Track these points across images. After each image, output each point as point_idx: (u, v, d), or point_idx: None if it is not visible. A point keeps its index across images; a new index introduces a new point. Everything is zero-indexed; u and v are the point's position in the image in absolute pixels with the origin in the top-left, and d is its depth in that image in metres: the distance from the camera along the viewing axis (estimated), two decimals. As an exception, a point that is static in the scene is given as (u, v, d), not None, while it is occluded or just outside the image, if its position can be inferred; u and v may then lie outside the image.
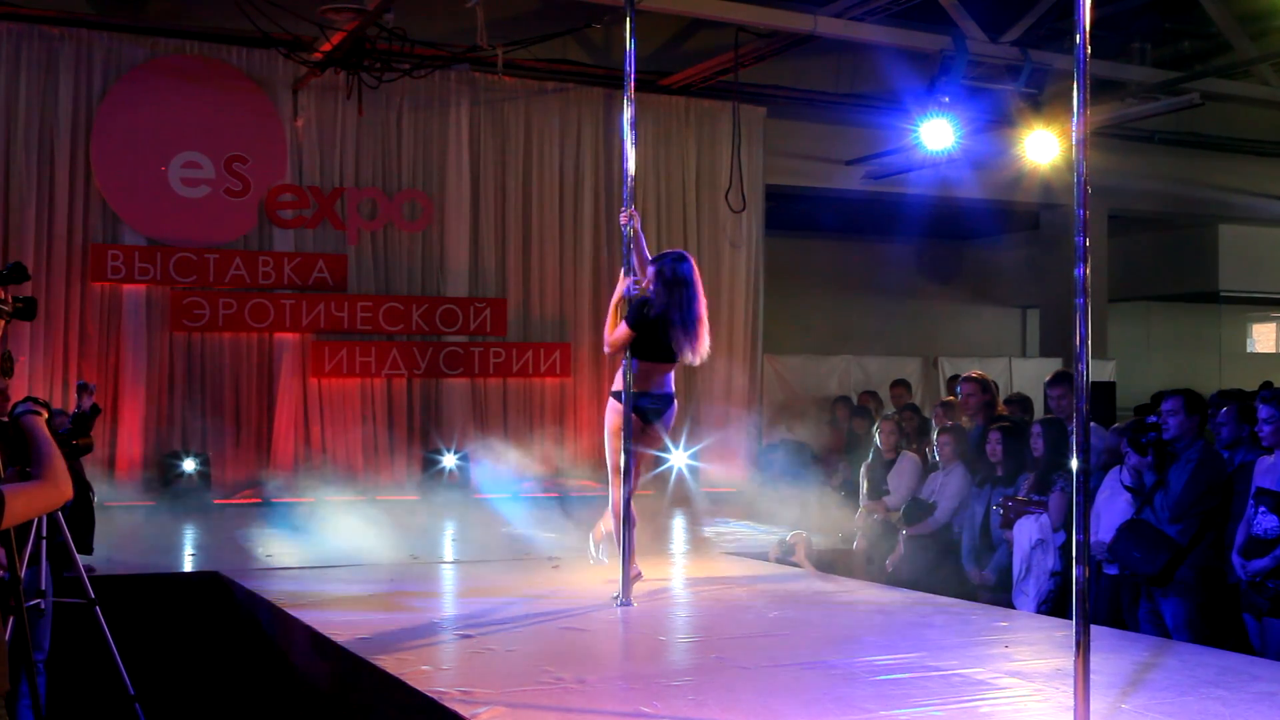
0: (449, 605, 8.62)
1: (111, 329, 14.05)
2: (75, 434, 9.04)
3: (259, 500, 13.81)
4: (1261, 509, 7.35)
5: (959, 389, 10.66)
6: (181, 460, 13.82)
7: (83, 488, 9.27)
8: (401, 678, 5.80)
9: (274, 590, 8.33)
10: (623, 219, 7.89)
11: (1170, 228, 21.54)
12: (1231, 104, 16.78)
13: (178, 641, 8.91)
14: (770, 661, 6.27)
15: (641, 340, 7.87)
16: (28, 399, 4.17)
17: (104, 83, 14.00)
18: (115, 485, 13.50)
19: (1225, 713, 5.24)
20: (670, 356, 8.06)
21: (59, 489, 3.86)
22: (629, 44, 8.06)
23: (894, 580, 9.28)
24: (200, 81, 14.35)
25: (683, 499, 13.77)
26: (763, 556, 10.40)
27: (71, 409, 9.70)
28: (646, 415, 8.13)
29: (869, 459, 10.64)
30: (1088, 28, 4.94)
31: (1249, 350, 23.72)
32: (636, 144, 8.25)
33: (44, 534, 7.84)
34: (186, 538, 11.74)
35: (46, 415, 4.09)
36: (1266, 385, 11.42)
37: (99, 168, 13.94)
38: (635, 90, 8.15)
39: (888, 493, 10.16)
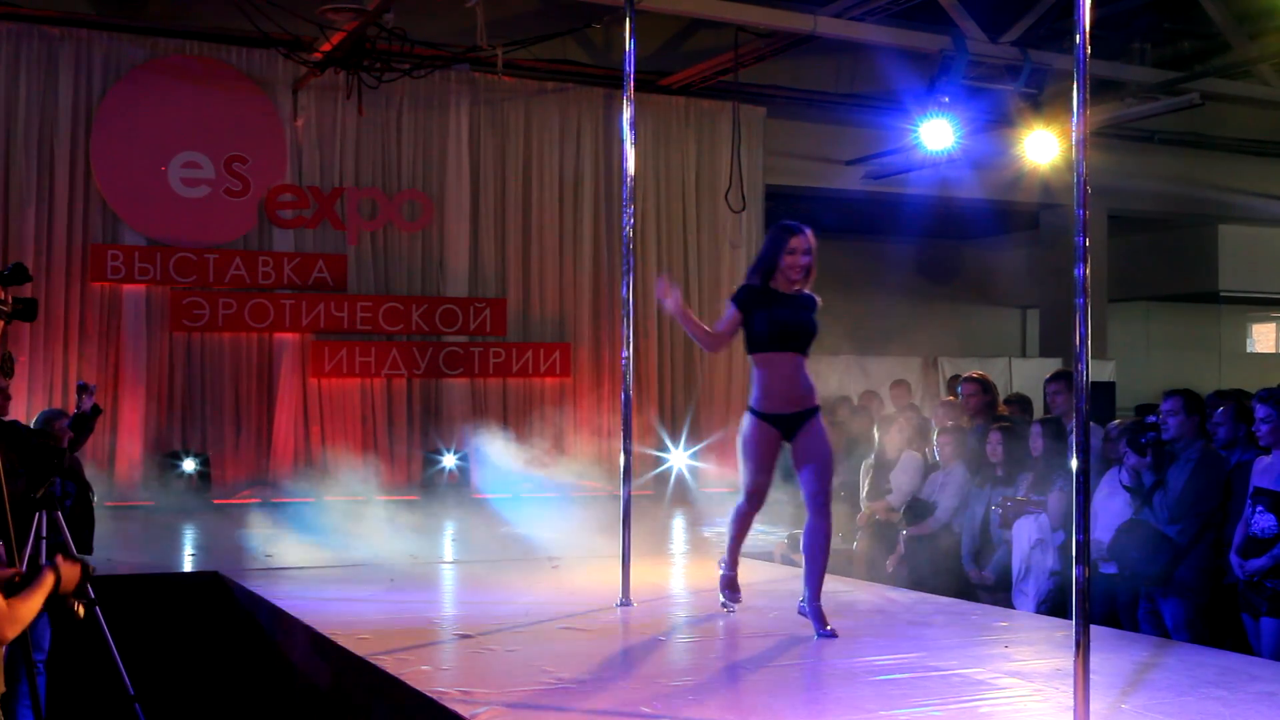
0: (449, 605, 8.62)
1: (111, 329, 14.04)
2: (75, 434, 9.05)
3: (259, 500, 13.79)
4: (1259, 508, 7.35)
5: (959, 389, 10.66)
6: (181, 460, 13.82)
7: (83, 488, 9.26)
8: (401, 678, 5.79)
9: (274, 590, 8.33)
10: (659, 292, 7.23)
11: (1170, 228, 21.53)
12: (1231, 104, 16.78)
13: (178, 642, 8.90)
14: (770, 661, 6.27)
15: None
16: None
17: (104, 83, 13.99)
18: (115, 485, 13.50)
19: (1225, 713, 5.23)
20: None
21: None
22: (629, 44, 8.06)
23: (894, 580, 9.27)
24: (200, 81, 14.33)
25: (682, 499, 13.77)
26: (762, 557, 10.38)
27: (71, 409, 9.70)
28: None
29: (869, 459, 10.63)
30: (1088, 28, 4.94)
31: (1249, 350, 23.73)
32: (636, 144, 8.25)
33: (44, 534, 7.84)
34: (186, 538, 11.73)
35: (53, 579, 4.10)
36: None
37: (99, 167, 13.93)
38: (635, 90, 8.14)
39: (889, 493, 10.14)
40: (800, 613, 7.03)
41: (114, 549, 10.18)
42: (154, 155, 14.18)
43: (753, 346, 7.06)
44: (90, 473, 10.01)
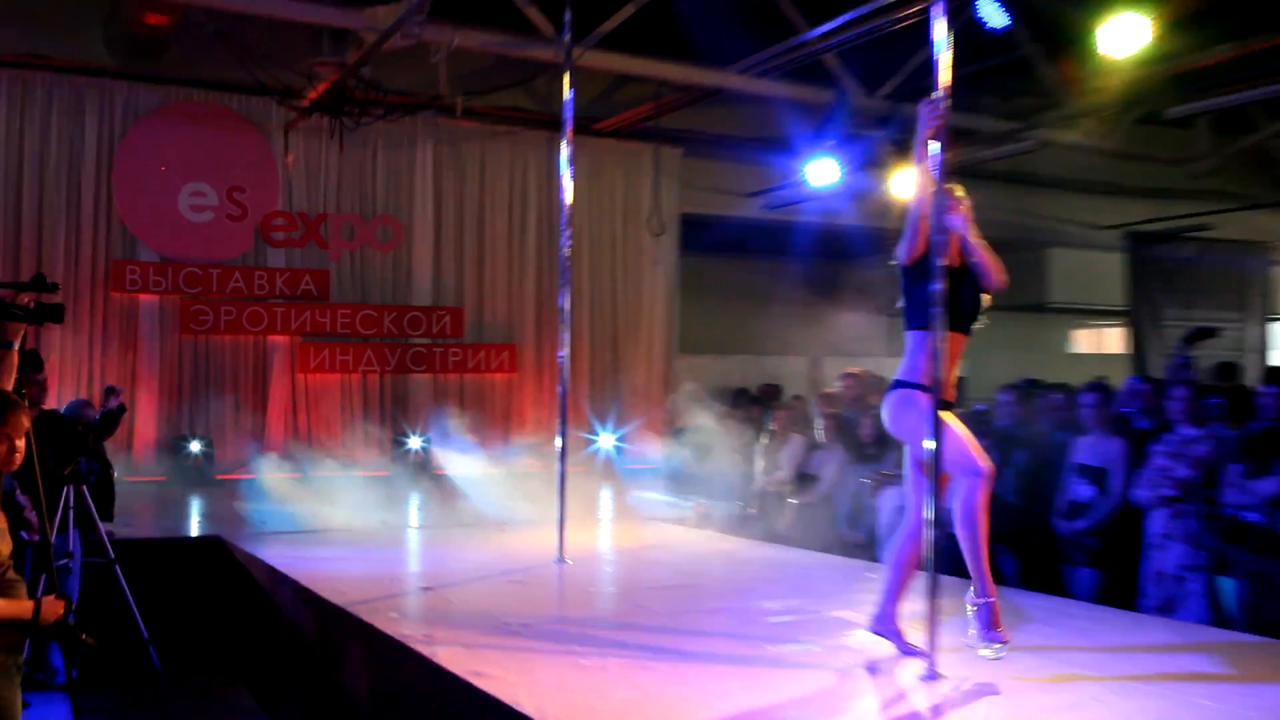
0: (414, 563, 8.60)
1: (129, 332, 13.86)
2: (101, 431, 8.99)
3: (254, 476, 13.66)
4: (1079, 480, 7.52)
5: (839, 381, 10.75)
6: (189, 442, 13.66)
7: (104, 465, 9.21)
8: (373, 624, 5.79)
9: (267, 552, 8.29)
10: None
11: (1009, 250, 21.17)
12: (1059, 149, 16.97)
13: (186, 596, 8.85)
14: (682, 608, 6.32)
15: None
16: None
17: (124, 124, 13.81)
18: (132, 463, 13.33)
19: (1047, 645, 5.33)
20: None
21: None
22: (567, 94, 8.08)
23: (784, 540, 9.34)
24: (206, 123, 14.18)
25: (611, 473, 13.79)
26: (678, 522, 10.44)
27: (97, 404, 9.62)
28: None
29: (764, 441, 10.70)
30: (946, 86, 5.03)
31: (1070, 351, 23.98)
32: (574, 178, 8.26)
33: (71, 505, 7.79)
34: (193, 507, 11.63)
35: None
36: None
37: (119, 196, 13.77)
38: (572, 133, 8.17)
39: (779, 468, 10.21)
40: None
41: (131, 517, 10.07)
42: (166, 185, 14.01)
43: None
44: (111, 453, 9.91)
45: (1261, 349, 18.90)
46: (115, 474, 9.81)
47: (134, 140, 13.86)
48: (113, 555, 8.12)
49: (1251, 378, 13.96)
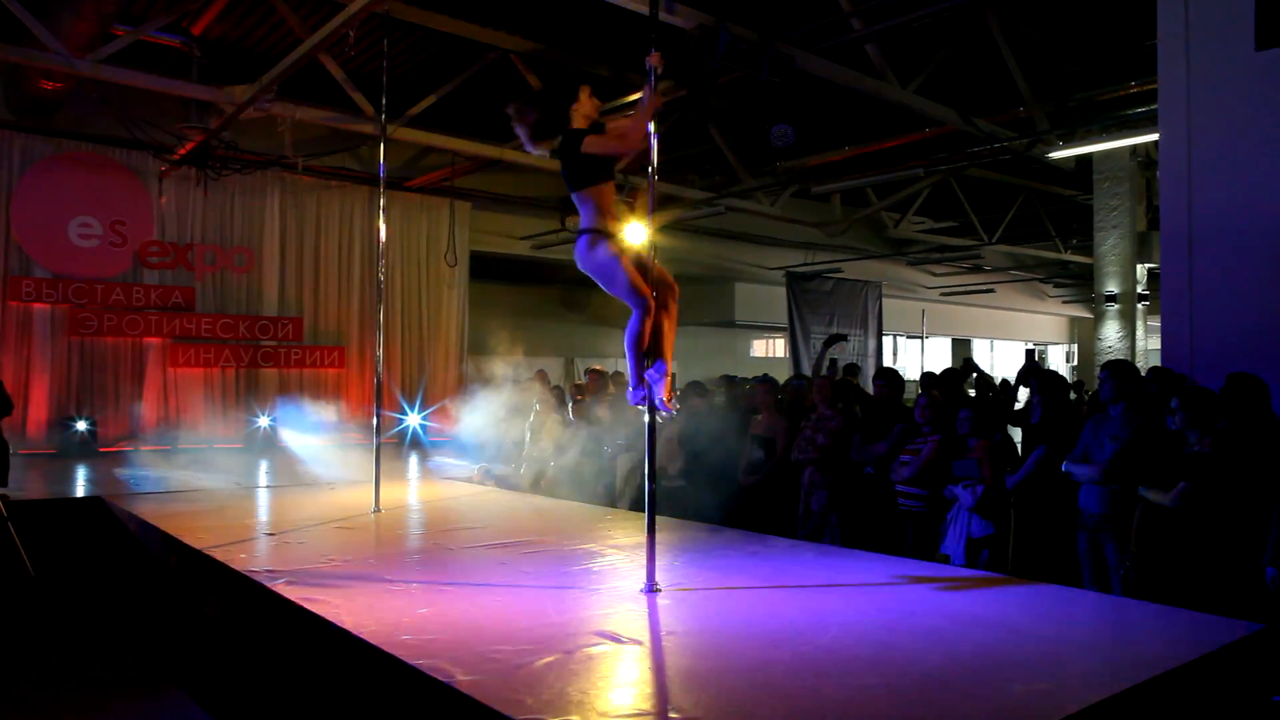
0: (261, 514, 8.17)
1: (25, 334, 12.67)
2: None
3: (131, 448, 12.77)
4: (754, 446, 7.75)
5: (585, 376, 10.79)
6: (76, 421, 12.60)
7: (1, 441, 8.42)
8: (227, 563, 5.46)
9: (139, 508, 7.72)
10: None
11: (708, 283, 22.33)
12: (741, 213, 17.60)
13: (72, 546, 8.14)
14: (470, 544, 6.21)
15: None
16: None
17: (21, 167, 12.60)
18: (26, 439, 12.26)
19: (732, 569, 5.47)
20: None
21: None
22: (382, 159, 7.85)
23: (547, 494, 9.33)
24: (92, 169, 13.08)
25: (416, 445, 13.46)
26: (466, 481, 10.27)
27: None
28: None
29: (531, 419, 10.64)
30: (656, 164, 5.10)
31: (751, 356, 24.93)
32: (387, 223, 8.03)
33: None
34: (79, 473, 10.72)
35: None
36: (763, 376, 11.99)
37: (17, 225, 12.54)
38: (387, 189, 7.94)
39: (541, 440, 10.16)
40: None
41: (25, 481, 9.21)
42: (59, 217, 12.85)
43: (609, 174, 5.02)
44: (6, 432, 9.04)
45: (876, 355, 20.02)
46: (11, 449, 8.98)
47: (29, 180, 12.65)
48: (5, 514, 7.38)
49: (867, 375, 14.78)
